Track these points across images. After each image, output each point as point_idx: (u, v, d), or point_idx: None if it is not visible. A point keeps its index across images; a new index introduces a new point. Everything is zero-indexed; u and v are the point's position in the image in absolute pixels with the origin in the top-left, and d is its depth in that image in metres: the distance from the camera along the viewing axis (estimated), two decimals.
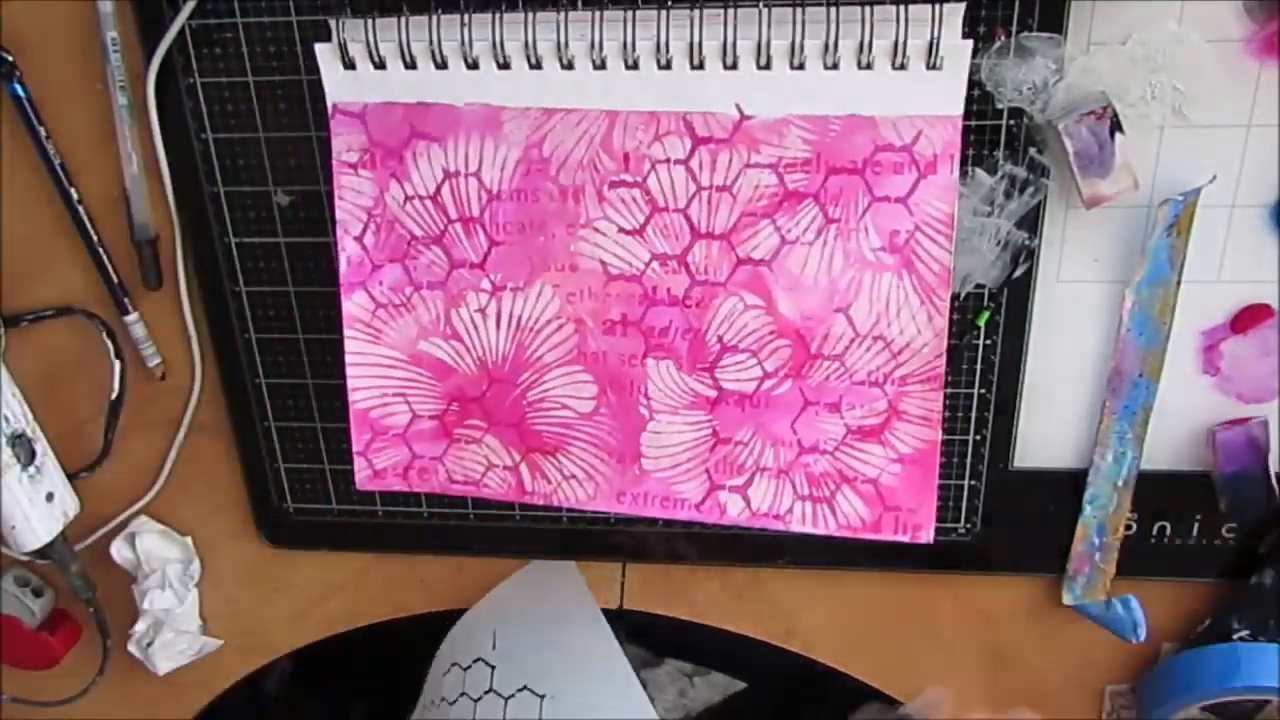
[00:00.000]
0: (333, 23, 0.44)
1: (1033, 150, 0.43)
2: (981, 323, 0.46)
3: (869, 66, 0.41)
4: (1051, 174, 0.43)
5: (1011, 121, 0.43)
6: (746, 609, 0.56)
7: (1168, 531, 0.50)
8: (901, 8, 0.40)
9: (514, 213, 0.46)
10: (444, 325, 0.49)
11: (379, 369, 0.50)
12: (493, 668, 0.54)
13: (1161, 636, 0.53)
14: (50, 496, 0.52)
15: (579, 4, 0.43)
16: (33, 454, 0.51)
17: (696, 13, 0.41)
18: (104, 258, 0.51)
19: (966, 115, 0.42)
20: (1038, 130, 0.43)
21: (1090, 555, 0.50)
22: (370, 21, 0.43)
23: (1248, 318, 0.45)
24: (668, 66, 0.42)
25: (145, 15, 0.46)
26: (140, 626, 0.57)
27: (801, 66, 0.41)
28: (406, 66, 0.44)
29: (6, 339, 0.53)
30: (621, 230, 0.46)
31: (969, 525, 0.51)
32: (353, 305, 0.49)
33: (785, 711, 0.64)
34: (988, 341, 0.47)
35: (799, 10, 0.41)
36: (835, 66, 0.41)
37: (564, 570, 0.55)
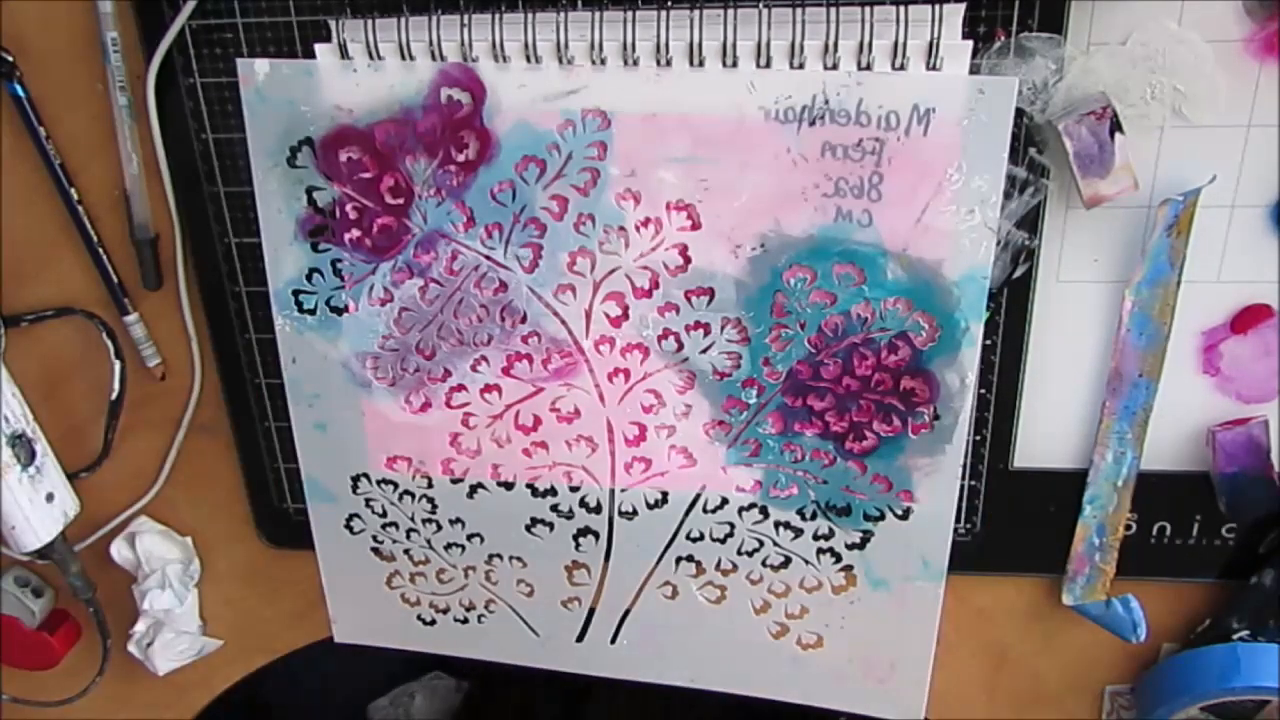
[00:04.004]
0: (333, 23, 0.44)
1: (1033, 150, 0.43)
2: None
3: (869, 67, 0.41)
4: (1051, 174, 0.43)
5: None
6: None
7: (1168, 531, 0.50)
8: (901, 8, 0.40)
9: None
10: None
11: None
12: None
13: (1161, 636, 0.53)
14: (50, 496, 0.52)
15: (579, 4, 0.43)
16: (33, 454, 0.51)
17: (696, 13, 0.41)
18: (104, 258, 0.51)
19: None
20: (1038, 130, 0.43)
21: (1090, 555, 0.50)
22: (370, 21, 0.43)
23: (1248, 318, 0.45)
24: (668, 66, 0.42)
25: (145, 15, 0.46)
26: (140, 626, 0.57)
27: (801, 66, 0.41)
28: None
29: (6, 339, 0.53)
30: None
31: (969, 525, 0.51)
32: None
33: None
34: (988, 341, 0.47)
35: (799, 10, 0.41)
36: (835, 67, 0.41)
37: None
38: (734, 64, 0.42)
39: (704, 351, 0.47)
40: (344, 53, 0.44)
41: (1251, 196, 0.43)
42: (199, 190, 0.49)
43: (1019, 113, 0.42)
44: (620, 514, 0.51)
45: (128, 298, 0.52)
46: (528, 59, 0.43)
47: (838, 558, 0.50)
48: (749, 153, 0.43)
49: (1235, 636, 0.50)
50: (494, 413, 0.50)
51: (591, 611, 0.55)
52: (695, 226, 0.45)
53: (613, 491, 0.51)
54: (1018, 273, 0.45)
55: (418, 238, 0.47)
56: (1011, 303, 0.46)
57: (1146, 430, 0.47)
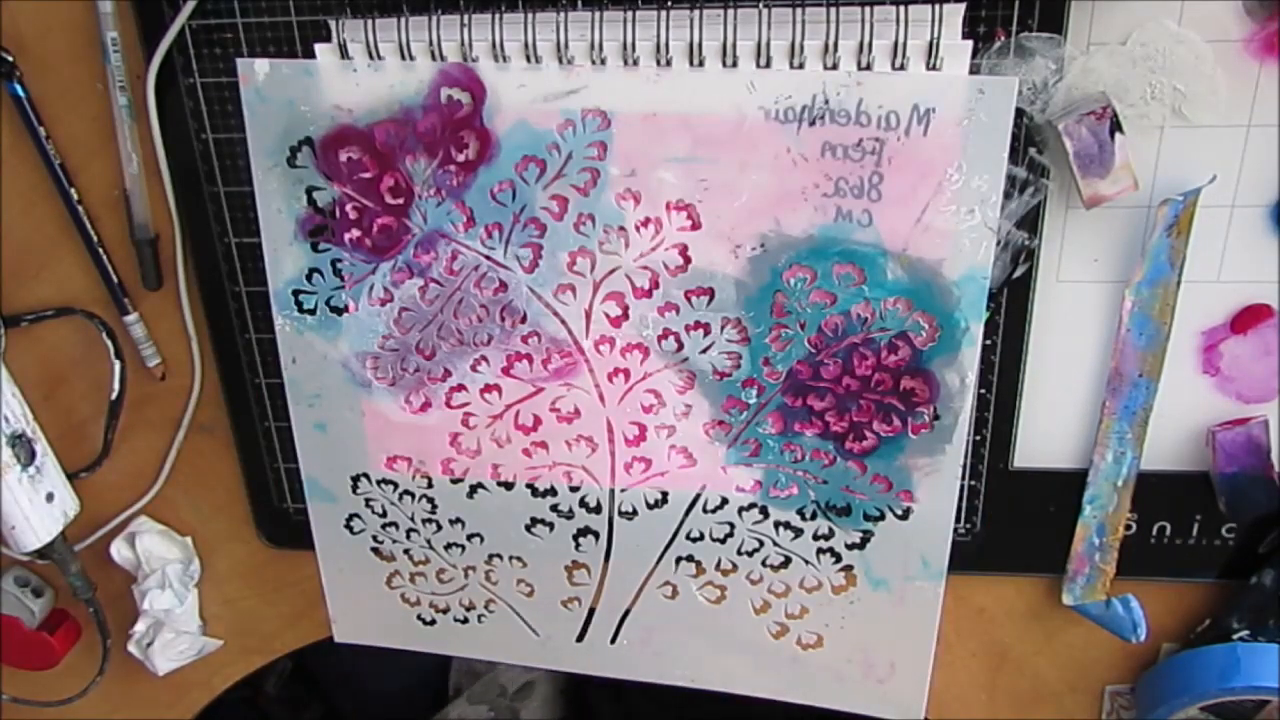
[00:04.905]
0: (333, 23, 0.44)
1: (1033, 150, 0.43)
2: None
3: (869, 67, 0.41)
4: (1051, 174, 0.43)
5: None
6: None
7: (1168, 531, 0.50)
8: (901, 8, 0.40)
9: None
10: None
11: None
12: None
13: (1161, 636, 0.53)
14: (50, 496, 0.52)
15: (579, 4, 0.43)
16: (33, 454, 0.51)
17: (696, 13, 0.41)
18: (104, 258, 0.51)
19: None
20: (1038, 130, 0.43)
21: (1090, 555, 0.50)
22: (370, 21, 0.43)
23: (1248, 318, 0.45)
24: (668, 66, 0.42)
25: (145, 15, 0.46)
26: (140, 626, 0.57)
27: (801, 66, 0.41)
28: None
29: (6, 339, 0.53)
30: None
31: (969, 525, 0.51)
32: None
33: None
34: (988, 341, 0.47)
35: (799, 10, 0.41)
36: (835, 67, 0.41)
37: None
38: (734, 64, 0.42)
39: (704, 351, 0.47)
40: (344, 53, 0.44)
41: (1251, 196, 0.43)
42: (199, 190, 0.49)
43: (1019, 113, 0.42)
44: (620, 514, 0.51)
45: (128, 298, 0.52)
46: (528, 59, 0.43)
47: (838, 558, 0.50)
48: (749, 153, 0.43)
49: (1235, 636, 0.50)
50: (494, 413, 0.50)
51: (591, 611, 0.55)
52: (695, 226, 0.45)
53: (613, 491, 0.51)
54: (1018, 273, 0.45)
55: (418, 238, 0.47)
56: (1011, 303, 0.46)
57: (1146, 430, 0.47)
